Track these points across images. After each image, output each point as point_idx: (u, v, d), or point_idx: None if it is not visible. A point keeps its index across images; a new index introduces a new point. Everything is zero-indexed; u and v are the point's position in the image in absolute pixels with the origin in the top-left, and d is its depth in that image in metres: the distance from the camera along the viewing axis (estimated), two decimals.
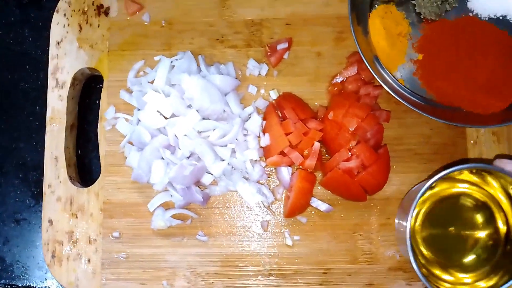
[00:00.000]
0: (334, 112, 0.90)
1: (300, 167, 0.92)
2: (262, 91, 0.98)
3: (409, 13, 0.97)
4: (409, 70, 0.95)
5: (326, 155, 0.95)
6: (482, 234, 0.87)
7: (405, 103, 0.88)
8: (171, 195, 0.93)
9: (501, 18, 0.95)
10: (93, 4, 1.01)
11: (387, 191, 0.93)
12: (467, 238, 0.87)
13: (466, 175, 0.86)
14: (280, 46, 0.97)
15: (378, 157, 0.88)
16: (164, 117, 0.91)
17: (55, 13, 1.01)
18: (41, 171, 0.97)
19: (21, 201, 1.06)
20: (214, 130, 0.91)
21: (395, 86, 0.94)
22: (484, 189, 0.87)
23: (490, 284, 0.82)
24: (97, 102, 1.02)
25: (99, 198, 0.95)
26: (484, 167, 0.82)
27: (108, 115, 0.97)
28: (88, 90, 1.05)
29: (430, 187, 0.81)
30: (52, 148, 0.97)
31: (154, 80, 0.94)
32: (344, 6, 0.97)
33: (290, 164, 0.93)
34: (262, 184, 0.95)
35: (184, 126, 0.89)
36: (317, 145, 0.90)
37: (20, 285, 1.04)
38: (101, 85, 1.00)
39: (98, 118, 0.98)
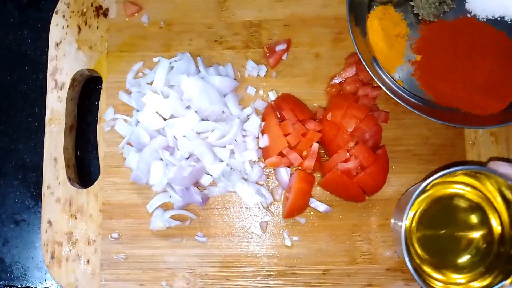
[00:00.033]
0: (332, 113, 0.91)
1: (299, 168, 0.92)
2: (261, 92, 0.98)
3: (407, 14, 0.97)
4: (408, 71, 0.95)
5: (325, 156, 0.95)
6: (476, 234, 0.87)
7: (403, 104, 0.89)
8: (170, 196, 0.93)
9: (499, 19, 0.95)
10: (92, 6, 1.01)
11: (385, 191, 0.94)
12: (462, 238, 0.88)
13: (461, 177, 0.86)
14: (279, 47, 0.97)
15: (377, 158, 0.89)
16: (163, 118, 0.91)
17: (54, 15, 1.01)
18: (40, 172, 0.97)
19: (21, 202, 1.06)
20: (213, 131, 0.91)
21: (394, 87, 0.94)
22: (478, 190, 0.87)
23: (484, 284, 0.83)
24: (96, 103, 1.02)
25: (98, 199, 0.95)
26: (479, 169, 0.82)
27: (107, 116, 0.97)
28: (87, 91, 1.05)
29: (426, 188, 0.81)
30: (51, 149, 0.97)
31: (153, 81, 0.94)
32: (342, 7, 0.97)
33: (289, 165, 0.93)
34: (261, 185, 0.95)
35: (183, 127, 0.90)
36: (315, 146, 0.90)
37: (19, 286, 1.04)
38: (100, 86, 1.00)
39: (97, 119, 0.99)
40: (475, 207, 0.88)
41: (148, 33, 1.00)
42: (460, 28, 0.94)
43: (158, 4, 1.01)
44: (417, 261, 0.86)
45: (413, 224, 0.87)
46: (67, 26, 1.01)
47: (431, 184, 0.81)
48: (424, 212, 0.87)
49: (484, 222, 0.87)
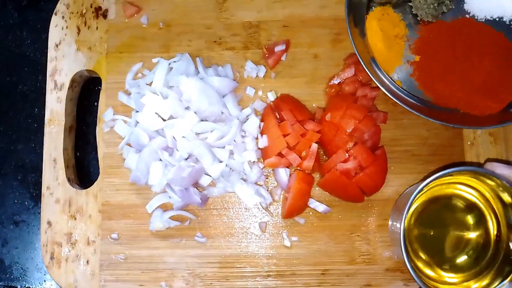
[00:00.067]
0: (331, 114, 0.91)
1: (298, 168, 0.92)
2: (260, 92, 0.98)
3: (406, 15, 0.97)
4: (406, 72, 0.95)
5: (324, 157, 0.95)
6: (473, 235, 0.88)
7: (402, 105, 0.89)
8: (170, 197, 0.93)
9: (497, 19, 0.96)
10: (91, 7, 1.01)
11: (384, 192, 0.94)
12: (459, 238, 0.88)
13: (458, 177, 0.87)
14: (278, 48, 0.97)
15: (376, 158, 0.89)
16: (162, 119, 0.91)
17: (53, 16, 1.01)
18: (39, 173, 0.97)
19: (20, 203, 1.06)
20: (212, 131, 0.91)
21: (392, 87, 0.94)
22: (476, 190, 0.88)
23: (481, 284, 0.83)
24: (96, 104, 1.03)
25: (97, 200, 0.96)
26: (476, 170, 0.83)
27: (107, 117, 0.97)
28: (86, 92, 1.05)
29: (422, 189, 0.82)
30: (50, 150, 0.97)
31: (152, 82, 0.94)
32: (341, 8, 0.97)
33: (288, 166, 0.93)
34: (260, 185, 0.95)
35: (182, 127, 0.90)
36: (314, 146, 0.90)
37: (19, 287, 1.04)
38: (99, 87, 1.01)
39: (96, 120, 0.99)
40: (473, 208, 0.88)
41: (147, 34, 1.00)
42: (458, 29, 0.94)
43: (157, 5, 1.01)
44: (415, 261, 0.86)
45: (411, 224, 0.87)
46: (67, 27, 1.01)
47: (428, 185, 0.82)
48: (421, 212, 0.88)
49: (481, 222, 0.88)
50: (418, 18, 0.96)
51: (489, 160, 0.94)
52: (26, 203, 1.06)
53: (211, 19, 1.00)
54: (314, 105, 0.97)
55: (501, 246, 0.85)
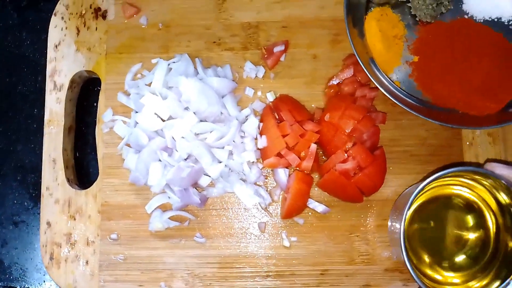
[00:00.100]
0: (330, 114, 0.91)
1: (297, 168, 0.92)
2: (259, 93, 0.98)
3: (404, 15, 0.97)
4: (405, 72, 0.96)
5: (323, 157, 0.95)
6: (472, 234, 0.88)
7: (401, 105, 0.89)
8: (169, 197, 0.93)
9: (495, 20, 0.96)
10: (90, 7, 1.01)
11: (383, 192, 0.94)
12: (458, 238, 0.88)
13: (457, 178, 0.87)
14: (277, 49, 0.97)
15: (374, 159, 0.89)
16: (162, 119, 0.91)
17: (53, 16, 1.01)
18: (39, 173, 0.97)
19: (19, 204, 1.06)
20: (211, 132, 0.91)
21: (391, 88, 0.94)
22: (475, 191, 0.88)
23: (481, 284, 0.83)
24: (95, 104, 1.03)
25: (97, 200, 0.96)
26: (475, 170, 0.83)
27: (106, 118, 0.97)
28: (86, 93, 1.06)
29: (422, 189, 0.82)
30: (50, 151, 0.97)
31: (151, 82, 0.94)
32: (340, 9, 0.97)
33: (287, 166, 0.93)
34: (259, 185, 0.95)
35: (182, 128, 0.90)
36: (313, 146, 0.91)
37: (18, 287, 1.04)
38: (98, 88, 1.01)
39: (96, 120, 0.99)
40: (472, 208, 0.89)
41: (147, 35, 1.00)
42: (457, 29, 0.95)
43: (157, 6, 1.01)
44: (415, 261, 0.86)
45: (410, 225, 0.88)
46: (66, 28, 1.01)
47: (427, 185, 0.82)
48: (420, 212, 0.88)
49: (480, 222, 0.88)
50: (417, 19, 0.96)
51: (488, 160, 0.94)
52: (26, 203, 1.06)
53: (210, 20, 1.00)
54: (313, 105, 0.97)
55: (500, 246, 0.86)
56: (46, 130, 0.98)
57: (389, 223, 0.92)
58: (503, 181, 0.81)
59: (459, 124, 0.91)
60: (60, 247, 0.95)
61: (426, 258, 0.87)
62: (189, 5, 1.01)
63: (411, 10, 0.95)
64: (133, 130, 0.92)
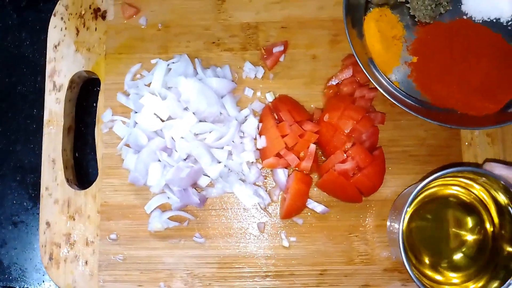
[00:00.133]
0: (329, 114, 0.91)
1: (296, 169, 0.93)
2: (258, 93, 0.98)
3: (403, 16, 0.97)
4: (404, 73, 0.96)
5: (322, 157, 0.96)
6: (470, 234, 0.88)
7: (400, 105, 0.89)
8: (168, 197, 0.93)
9: (494, 20, 0.96)
10: (90, 8, 1.01)
11: (382, 192, 0.94)
12: (457, 238, 0.88)
13: (456, 178, 0.87)
14: (276, 49, 0.97)
15: (373, 159, 0.89)
16: (161, 119, 0.91)
17: (52, 17, 1.01)
18: (38, 173, 0.97)
19: (19, 204, 1.06)
20: (210, 132, 0.92)
21: (390, 88, 0.95)
22: (473, 191, 0.88)
23: (480, 284, 0.84)
24: (94, 104, 1.03)
25: (96, 201, 0.96)
26: (473, 170, 0.83)
27: (105, 118, 0.97)
28: (85, 93, 1.06)
29: (421, 190, 0.82)
30: (49, 151, 0.97)
31: (150, 83, 0.94)
32: (339, 9, 0.98)
33: (286, 166, 0.93)
34: (259, 186, 0.95)
35: (181, 128, 0.90)
36: (313, 147, 0.91)
37: (17, 287, 1.04)
38: (98, 88, 1.01)
39: (95, 120, 0.99)
40: (470, 208, 0.89)
41: (146, 35, 1.00)
42: (456, 30, 0.95)
43: (156, 6, 1.01)
44: (413, 261, 0.86)
45: (409, 225, 0.88)
46: (65, 28, 1.01)
47: (426, 185, 0.82)
48: (418, 212, 0.88)
49: (479, 222, 0.88)
50: (416, 19, 0.96)
51: (487, 160, 0.94)
52: (25, 203, 1.06)
53: (210, 20, 1.00)
54: (312, 106, 0.97)
55: (498, 246, 0.86)
56: (45, 130, 0.98)
57: (388, 223, 0.92)
58: (501, 182, 0.81)
59: (457, 125, 0.91)
60: (60, 247, 0.95)
61: (425, 258, 0.87)
62: (189, 6, 1.01)
63: (410, 11, 0.96)
64: (132, 130, 0.92)
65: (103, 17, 1.01)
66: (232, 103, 0.95)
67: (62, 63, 1.00)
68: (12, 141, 1.08)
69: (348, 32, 0.90)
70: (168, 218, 0.94)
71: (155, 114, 0.91)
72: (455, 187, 0.89)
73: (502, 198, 0.84)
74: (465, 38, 0.94)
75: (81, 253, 0.94)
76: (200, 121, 0.92)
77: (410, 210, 0.88)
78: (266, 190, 0.95)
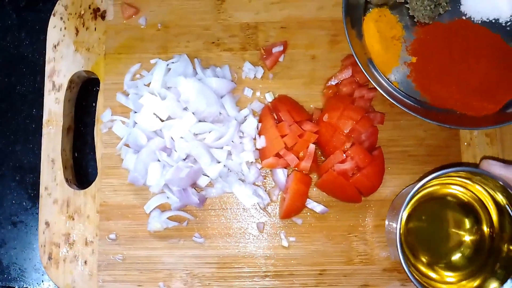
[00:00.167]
0: (329, 115, 0.91)
1: (296, 169, 0.93)
2: (258, 93, 0.98)
3: (402, 16, 0.98)
4: (403, 73, 0.96)
5: (322, 157, 0.96)
6: (468, 234, 0.89)
7: (399, 106, 0.89)
8: (168, 197, 0.93)
9: (493, 21, 0.96)
10: (89, 8, 1.01)
11: (382, 192, 0.94)
12: (454, 238, 0.89)
13: (454, 178, 0.87)
14: (276, 49, 0.97)
15: (373, 159, 0.89)
16: (161, 119, 0.91)
17: (51, 17, 1.01)
18: (37, 173, 0.97)
19: (18, 204, 1.06)
20: (210, 132, 0.92)
21: (389, 88, 0.95)
22: (471, 191, 0.88)
23: (476, 282, 0.84)
24: (94, 104, 1.03)
25: (95, 200, 0.96)
26: (471, 170, 0.83)
27: (105, 118, 0.97)
28: (84, 93, 1.06)
29: (419, 189, 0.82)
30: (48, 151, 0.97)
31: (150, 83, 0.94)
32: (338, 10, 0.98)
33: (286, 166, 0.93)
34: (258, 186, 0.95)
35: (180, 128, 0.90)
36: (312, 147, 0.91)
37: (16, 287, 1.04)
38: (97, 88, 1.01)
39: (94, 120, 0.99)
40: (468, 208, 0.89)
41: (146, 35, 1.00)
42: (455, 30, 0.95)
43: (155, 6, 1.01)
44: (412, 261, 0.87)
45: (407, 224, 0.88)
46: (65, 28, 1.01)
47: (425, 185, 0.82)
48: (416, 212, 0.88)
49: (477, 222, 0.88)
50: (415, 20, 0.96)
51: (485, 157, 0.94)
52: (24, 203, 1.06)
53: (209, 21, 1.00)
54: (311, 106, 0.97)
55: (496, 245, 0.86)
56: (44, 130, 0.98)
57: (386, 223, 0.92)
58: (499, 181, 0.81)
59: (457, 125, 0.91)
60: (59, 247, 0.95)
61: (423, 258, 0.88)
62: (188, 6, 1.01)
63: (409, 11, 0.96)
64: (132, 130, 0.92)
65: (103, 17, 1.01)
66: (232, 103, 0.95)
67: (62, 63, 1.00)
68: (11, 141, 1.08)
69: (347, 33, 0.90)
70: (168, 218, 0.94)
71: (154, 114, 0.91)
72: (453, 186, 0.89)
73: (500, 198, 0.84)
74: (464, 38, 0.94)
75: (81, 253, 0.94)
76: (200, 121, 0.92)
77: (408, 210, 0.88)
78: (265, 190, 0.95)
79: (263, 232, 0.94)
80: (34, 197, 1.06)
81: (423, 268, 0.87)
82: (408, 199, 0.81)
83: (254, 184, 0.95)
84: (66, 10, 1.01)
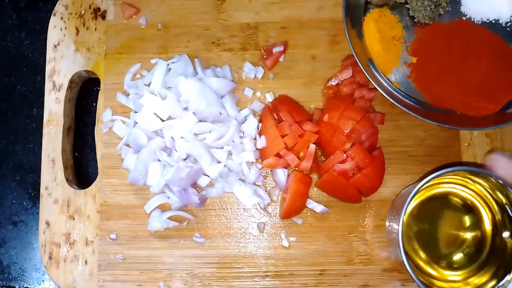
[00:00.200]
0: (329, 115, 0.91)
1: (296, 169, 0.93)
2: (258, 93, 0.98)
3: (403, 16, 0.98)
4: (403, 73, 0.96)
5: (322, 157, 0.96)
6: (470, 233, 0.89)
7: (399, 106, 0.89)
8: (168, 197, 0.93)
9: (493, 22, 0.96)
10: (90, 8, 1.01)
11: (382, 192, 0.94)
12: (456, 237, 0.89)
13: (454, 178, 0.87)
14: (276, 49, 0.97)
15: (373, 159, 0.89)
16: (161, 119, 0.91)
17: (52, 16, 1.01)
18: (38, 173, 0.97)
19: (18, 203, 1.06)
20: (210, 132, 0.92)
21: (390, 89, 0.95)
22: (471, 189, 0.88)
23: (478, 281, 0.84)
24: (94, 104, 1.03)
25: (96, 200, 0.96)
26: (472, 169, 0.83)
27: (105, 118, 0.97)
28: (85, 93, 1.06)
29: (419, 189, 0.82)
30: (49, 151, 0.97)
31: (150, 83, 0.94)
32: (338, 10, 0.98)
33: (286, 166, 0.93)
34: (258, 186, 0.95)
35: (181, 128, 0.90)
36: (312, 147, 0.91)
37: (17, 287, 1.04)
38: (98, 88, 1.01)
39: (95, 120, 0.99)
40: (469, 207, 0.89)
41: (146, 35, 1.00)
42: (455, 31, 0.95)
43: (156, 6, 1.01)
44: (413, 260, 0.87)
45: (408, 224, 0.88)
46: (65, 28, 1.01)
47: (426, 184, 0.82)
48: (417, 211, 0.88)
49: (478, 221, 0.88)
50: (415, 20, 0.96)
51: (490, 152, 0.94)
52: (25, 203, 1.06)
53: (209, 21, 1.00)
54: (312, 106, 0.98)
55: (497, 244, 0.86)
56: (45, 130, 0.98)
57: (387, 223, 0.92)
58: (499, 180, 0.81)
59: (457, 125, 0.91)
60: (59, 247, 0.95)
61: (424, 257, 0.88)
62: (188, 6, 1.01)
63: (409, 12, 0.96)
64: (132, 130, 0.92)
65: (103, 17, 1.01)
66: (232, 103, 0.95)
67: (62, 63, 1.00)
68: (11, 141, 1.08)
69: (347, 33, 0.90)
70: (168, 218, 0.94)
71: (155, 114, 0.91)
72: (453, 186, 0.89)
73: (500, 197, 0.84)
74: (464, 39, 0.94)
75: (81, 253, 0.94)
76: (200, 121, 0.92)
77: (409, 210, 0.88)
78: (265, 190, 0.95)
79: (264, 232, 0.94)
80: (34, 197, 1.06)
81: (424, 268, 0.87)
82: (410, 198, 0.81)
83: (254, 184, 0.95)
84: (66, 10, 1.01)
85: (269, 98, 0.97)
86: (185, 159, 0.91)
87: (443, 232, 0.89)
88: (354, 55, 0.90)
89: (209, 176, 0.92)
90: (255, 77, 0.98)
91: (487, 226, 0.88)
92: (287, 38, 0.99)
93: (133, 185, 0.95)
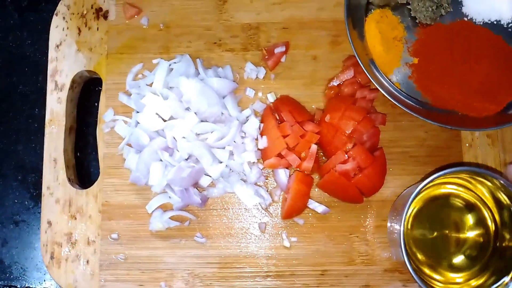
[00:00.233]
0: (330, 115, 0.91)
1: (298, 169, 0.93)
2: (260, 94, 0.98)
3: (404, 17, 0.98)
4: (405, 74, 0.96)
5: (323, 158, 0.96)
6: (471, 234, 0.89)
7: (400, 106, 0.89)
8: (169, 197, 0.93)
9: (495, 22, 0.96)
10: (92, 8, 1.02)
11: (383, 193, 0.94)
12: (457, 238, 0.89)
13: (455, 178, 0.87)
14: (278, 50, 0.97)
15: (374, 160, 0.89)
16: (163, 119, 0.92)
17: (54, 16, 1.01)
18: (40, 173, 0.98)
19: (20, 203, 1.06)
20: (212, 132, 0.92)
21: (391, 89, 0.95)
22: (473, 190, 0.89)
23: (480, 283, 0.84)
24: (96, 104, 1.03)
25: (97, 200, 0.96)
26: (473, 170, 0.83)
27: (107, 118, 0.97)
28: (87, 93, 1.06)
29: (421, 190, 0.82)
30: (51, 150, 0.97)
31: (152, 83, 0.94)
32: (339, 10, 0.98)
33: (288, 166, 0.94)
34: (260, 186, 0.95)
35: (182, 128, 0.90)
36: (314, 147, 0.91)
37: (18, 286, 1.04)
38: (99, 88, 1.01)
39: (96, 120, 0.99)
40: (471, 208, 0.89)
41: (148, 35, 1.01)
42: (456, 32, 0.95)
43: (158, 6, 1.01)
44: (414, 261, 0.87)
45: (409, 225, 0.88)
46: (67, 28, 1.01)
47: (427, 185, 0.82)
48: (418, 212, 0.89)
49: (479, 222, 0.89)
50: (417, 21, 0.96)
51: (510, 164, 0.93)
52: (26, 203, 1.06)
53: (211, 21, 1.01)
54: (313, 106, 0.98)
55: (499, 245, 0.86)
56: (47, 130, 0.98)
57: (388, 224, 0.92)
58: (501, 181, 0.81)
59: (458, 126, 0.91)
60: (61, 246, 0.95)
61: (425, 258, 0.88)
62: (190, 6, 1.01)
63: (411, 12, 0.96)
64: (134, 130, 0.93)
65: (105, 17, 1.01)
66: (234, 103, 0.95)
67: (64, 62, 1.00)
68: (13, 141, 1.08)
69: (349, 33, 0.90)
70: (169, 218, 0.94)
71: (156, 114, 0.91)
72: (455, 186, 0.89)
73: (502, 197, 0.84)
74: (465, 39, 0.95)
75: (82, 253, 0.94)
76: (202, 121, 0.92)
77: (410, 211, 0.88)
78: (267, 190, 0.95)
79: (265, 232, 0.95)
80: (36, 197, 1.06)
81: (425, 268, 0.87)
82: (411, 199, 0.81)
83: (256, 184, 0.95)
84: (68, 10, 1.02)
85: (271, 98, 0.97)
86: (186, 159, 0.91)
87: (445, 233, 0.89)
88: (356, 55, 0.90)
89: (210, 176, 0.92)
90: (256, 77, 0.99)
91: (490, 226, 0.88)
92: (288, 39, 0.99)
93: (135, 185, 0.95)
